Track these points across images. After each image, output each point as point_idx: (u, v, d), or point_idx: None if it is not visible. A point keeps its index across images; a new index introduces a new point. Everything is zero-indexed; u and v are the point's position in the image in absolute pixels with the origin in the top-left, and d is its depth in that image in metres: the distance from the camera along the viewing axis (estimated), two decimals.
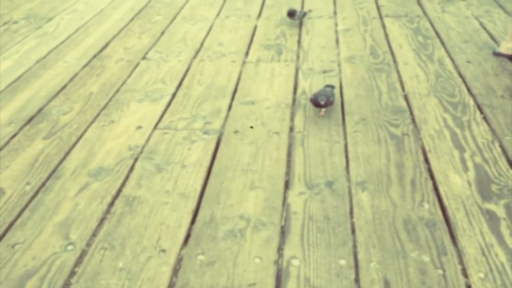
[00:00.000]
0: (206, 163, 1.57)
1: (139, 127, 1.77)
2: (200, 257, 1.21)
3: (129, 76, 2.15)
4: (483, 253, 1.19)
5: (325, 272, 1.16)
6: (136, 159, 1.60)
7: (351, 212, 1.36)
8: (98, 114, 1.87)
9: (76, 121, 1.83)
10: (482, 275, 1.13)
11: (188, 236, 1.28)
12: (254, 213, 1.35)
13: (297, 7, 2.87)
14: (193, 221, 1.33)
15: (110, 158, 1.61)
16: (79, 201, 1.41)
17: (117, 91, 2.03)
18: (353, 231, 1.29)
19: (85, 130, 1.77)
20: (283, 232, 1.29)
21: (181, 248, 1.25)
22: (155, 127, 1.77)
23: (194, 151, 1.63)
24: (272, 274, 1.16)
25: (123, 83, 2.09)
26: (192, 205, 1.39)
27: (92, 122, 1.82)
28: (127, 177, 1.51)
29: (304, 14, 2.64)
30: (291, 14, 2.61)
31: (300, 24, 2.61)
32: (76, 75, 2.18)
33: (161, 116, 1.84)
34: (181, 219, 1.34)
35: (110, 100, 1.97)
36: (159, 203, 1.40)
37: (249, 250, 1.23)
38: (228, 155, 1.61)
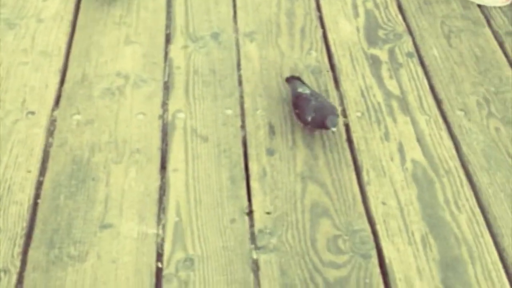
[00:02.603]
0: (68, 16, 1.72)
1: None
2: (76, 117, 1.46)
3: None
4: (362, 95, 1.61)
5: (211, 122, 1.49)
6: None
7: (239, 64, 1.67)
8: None
9: None
10: (359, 114, 1.55)
11: (58, 97, 1.50)
12: (132, 69, 1.60)
13: None
14: (62, 81, 1.54)
15: None
16: None
17: None
18: (240, 83, 1.61)
19: None
20: (167, 88, 1.57)
21: (53, 110, 1.47)
22: None
23: (51, 3, 1.76)
24: (157, 127, 1.46)
25: None
26: (58, 64, 1.58)
27: None
28: None
29: None
30: None
31: None
32: None
33: None
34: (47, 80, 1.53)
35: None
36: (17, 63, 1.57)
37: (130, 107, 1.50)
38: (95, 6, 1.77)
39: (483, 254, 1.27)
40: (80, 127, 1.43)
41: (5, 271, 1.13)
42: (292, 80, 1.56)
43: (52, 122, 1.44)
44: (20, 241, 1.18)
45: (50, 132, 1.42)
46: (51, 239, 1.19)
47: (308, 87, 1.52)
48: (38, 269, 1.14)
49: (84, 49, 1.62)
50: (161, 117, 1.49)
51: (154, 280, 1.14)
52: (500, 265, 1.26)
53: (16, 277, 1.12)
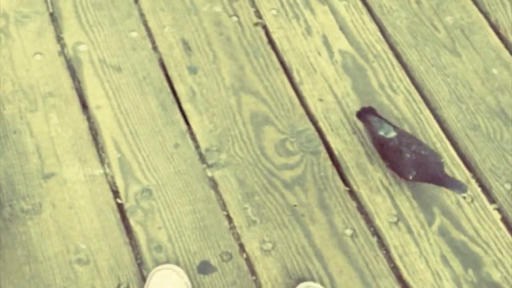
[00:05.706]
0: None
1: None
2: None
3: None
4: None
5: (118, 49, 1.79)
6: None
7: None
8: None
9: None
10: (274, 11, 1.93)
11: None
12: (9, 6, 1.83)
13: None
14: None
15: None
16: None
17: None
18: (136, 0, 1.91)
19: None
20: (55, 20, 1.83)
21: None
22: None
23: None
24: (61, 66, 1.73)
25: None
26: None
27: None
28: None
29: None
30: None
31: None
32: None
33: None
34: None
35: None
36: None
37: (23, 48, 1.75)
38: None
39: (425, 128, 1.75)
40: None
41: None
42: (366, 116, 1.67)
43: None
44: None
45: None
46: None
47: (389, 122, 1.64)
48: None
49: None
50: (61, 53, 1.76)
51: (118, 215, 1.48)
52: (443, 136, 1.74)
53: None
